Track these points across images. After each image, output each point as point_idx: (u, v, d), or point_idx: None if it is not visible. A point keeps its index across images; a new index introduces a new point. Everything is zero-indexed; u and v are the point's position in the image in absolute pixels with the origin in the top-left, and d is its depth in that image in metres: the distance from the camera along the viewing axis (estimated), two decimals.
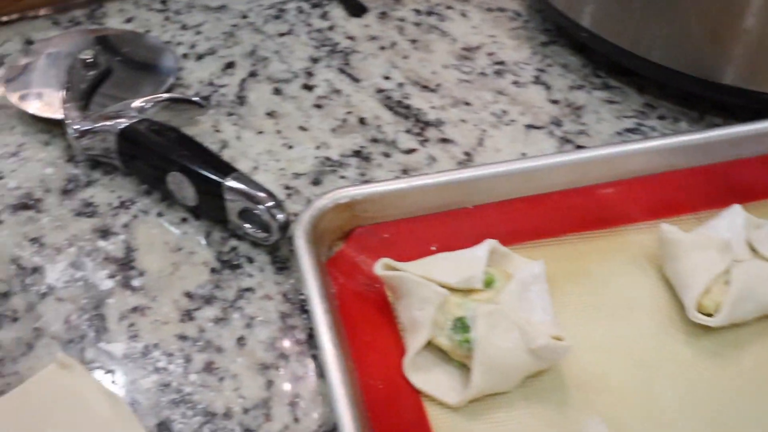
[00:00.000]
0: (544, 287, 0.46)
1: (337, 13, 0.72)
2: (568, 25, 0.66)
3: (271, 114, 0.62)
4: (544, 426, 0.43)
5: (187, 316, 0.49)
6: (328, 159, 0.59)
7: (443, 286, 0.44)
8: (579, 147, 0.60)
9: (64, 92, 0.58)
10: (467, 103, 0.63)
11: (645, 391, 0.44)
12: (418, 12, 0.72)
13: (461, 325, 0.43)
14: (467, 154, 0.59)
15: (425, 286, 0.44)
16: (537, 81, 0.66)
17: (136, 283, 0.50)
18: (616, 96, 0.64)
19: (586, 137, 0.61)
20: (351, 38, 0.69)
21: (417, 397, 0.44)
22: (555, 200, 0.54)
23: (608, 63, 0.66)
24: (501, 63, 0.67)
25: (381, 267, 0.46)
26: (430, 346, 0.45)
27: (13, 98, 0.60)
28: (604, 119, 0.62)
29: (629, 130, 0.61)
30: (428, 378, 0.44)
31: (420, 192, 0.52)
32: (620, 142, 0.60)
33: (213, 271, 0.51)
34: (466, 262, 0.46)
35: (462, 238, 0.50)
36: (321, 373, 0.46)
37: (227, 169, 0.50)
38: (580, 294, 0.49)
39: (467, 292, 0.45)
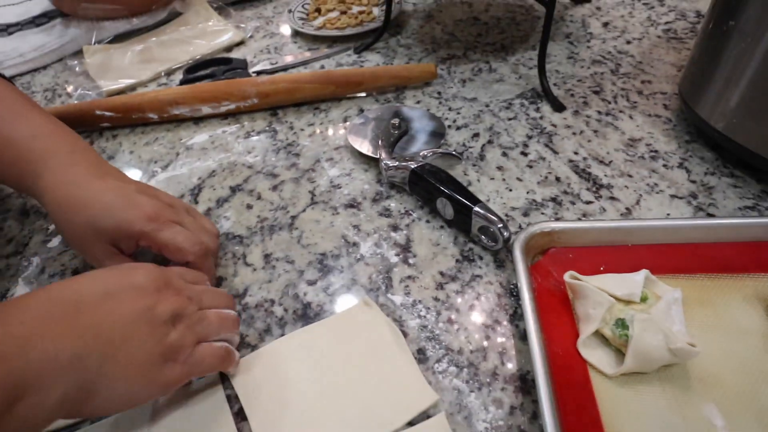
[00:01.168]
0: (680, 308, 0.42)
1: (546, 108, 0.70)
2: (707, 129, 0.59)
3: (499, 168, 0.61)
4: (671, 399, 0.39)
5: (440, 286, 0.49)
6: (534, 201, 0.57)
7: (611, 296, 0.42)
8: (709, 215, 0.54)
9: (380, 141, 0.61)
10: (629, 176, 0.59)
11: (751, 391, 0.39)
12: (599, 112, 0.69)
13: (621, 324, 0.41)
14: (628, 209, 0.55)
15: (600, 294, 0.42)
16: (680, 166, 0.60)
17: (411, 261, 0.52)
18: (739, 183, 0.57)
19: (715, 208, 0.55)
20: (554, 125, 0.67)
21: (584, 365, 0.42)
22: (691, 249, 0.49)
23: (736, 159, 0.59)
24: (655, 151, 0.62)
25: (569, 276, 0.45)
26: (596, 333, 0.43)
27: (352, 142, 0.63)
28: (729, 197, 0.56)
29: (748, 207, 0.54)
30: (593, 354, 0.42)
31: (596, 231, 0.49)
32: (741, 215, 0.54)
33: (457, 261, 0.51)
34: (629, 282, 0.43)
35: (622, 265, 0.47)
36: (521, 337, 0.45)
37: (475, 200, 0.50)
38: (705, 316, 0.44)
39: (627, 302, 0.42)
